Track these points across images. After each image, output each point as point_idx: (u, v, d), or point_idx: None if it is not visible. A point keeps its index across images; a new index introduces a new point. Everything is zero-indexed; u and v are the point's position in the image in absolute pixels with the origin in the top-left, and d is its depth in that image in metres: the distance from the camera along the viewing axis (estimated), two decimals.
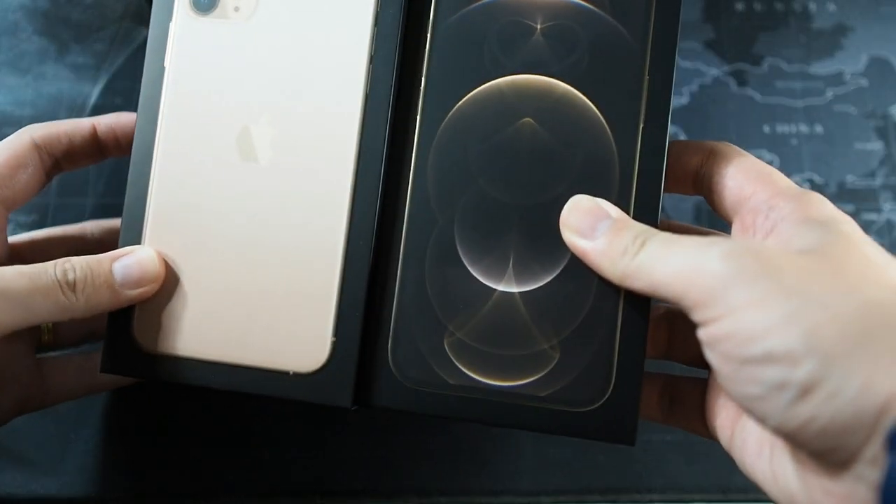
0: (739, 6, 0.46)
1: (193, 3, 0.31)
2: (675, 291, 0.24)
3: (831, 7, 0.46)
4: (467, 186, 0.29)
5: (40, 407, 0.34)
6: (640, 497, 0.38)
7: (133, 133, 0.31)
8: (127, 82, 0.44)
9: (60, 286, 0.28)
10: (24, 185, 0.31)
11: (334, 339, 0.29)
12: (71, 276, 0.28)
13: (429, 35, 0.29)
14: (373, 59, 0.30)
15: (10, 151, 0.31)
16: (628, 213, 0.27)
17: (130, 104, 0.43)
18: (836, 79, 0.44)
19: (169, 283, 0.30)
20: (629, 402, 0.27)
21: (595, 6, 0.29)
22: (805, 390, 0.21)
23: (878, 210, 0.42)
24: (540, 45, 0.29)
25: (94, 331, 0.36)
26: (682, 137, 0.43)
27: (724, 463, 0.38)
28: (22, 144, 0.31)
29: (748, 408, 0.23)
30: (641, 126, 0.28)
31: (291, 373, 0.29)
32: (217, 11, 0.31)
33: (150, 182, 0.30)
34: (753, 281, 0.22)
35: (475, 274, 0.28)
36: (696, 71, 0.45)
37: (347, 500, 0.37)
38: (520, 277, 0.28)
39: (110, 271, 0.29)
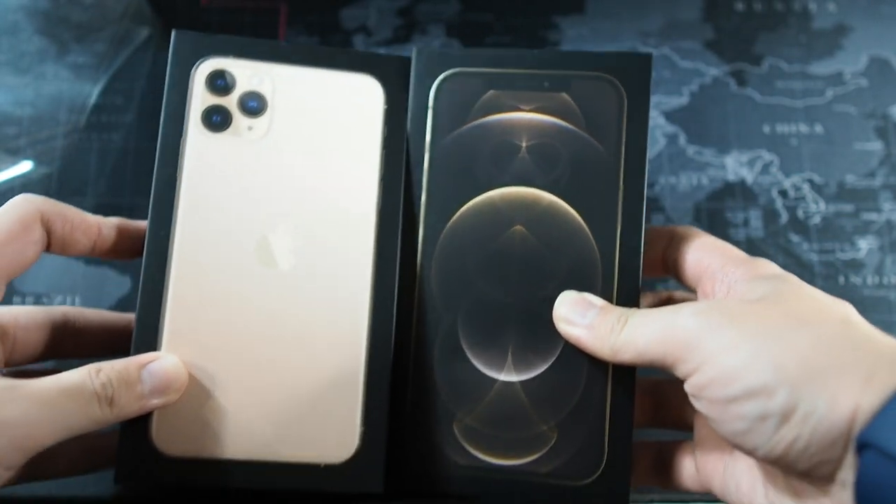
0: (739, 6, 0.46)
1: (205, 121, 0.32)
2: (657, 354, 0.27)
3: (831, 7, 0.46)
4: (468, 288, 0.32)
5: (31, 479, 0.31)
6: (640, 497, 0.37)
7: (133, 243, 0.32)
8: (127, 82, 0.44)
9: (99, 401, 0.27)
10: (27, 259, 0.29)
11: (363, 428, 0.30)
12: (109, 392, 0.27)
13: (426, 154, 0.32)
14: (383, 177, 0.32)
15: (21, 224, 0.29)
16: (612, 302, 0.31)
17: (130, 104, 0.43)
18: (836, 79, 0.44)
19: (191, 384, 0.30)
20: (621, 473, 0.30)
21: (572, 125, 0.32)
22: (783, 417, 0.24)
23: (878, 210, 0.42)
24: (526, 161, 0.32)
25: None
26: (682, 138, 0.43)
27: None
28: (32, 218, 0.29)
29: (739, 443, 0.26)
30: (619, 229, 0.31)
31: (322, 465, 0.30)
32: (230, 130, 0.32)
33: (166, 286, 0.30)
34: (721, 330, 0.26)
35: (478, 366, 0.31)
36: (696, 71, 0.45)
37: None
38: (518, 368, 0.31)
39: (139, 380, 0.28)
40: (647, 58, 0.32)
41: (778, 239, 0.42)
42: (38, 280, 0.41)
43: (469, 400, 0.31)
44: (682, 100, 0.44)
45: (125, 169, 0.42)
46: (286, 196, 0.32)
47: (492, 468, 0.31)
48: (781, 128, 0.44)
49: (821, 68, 0.45)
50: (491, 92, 0.33)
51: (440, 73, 0.33)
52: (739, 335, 0.26)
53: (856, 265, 0.42)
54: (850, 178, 0.43)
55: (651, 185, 0.42)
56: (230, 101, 0.32)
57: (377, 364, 0.31)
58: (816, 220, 0.42)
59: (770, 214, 0.43)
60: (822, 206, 0.43)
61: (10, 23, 0.45)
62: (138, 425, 0.29)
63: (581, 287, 0.31)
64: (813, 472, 0.25)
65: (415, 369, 0.32)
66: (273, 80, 0.33)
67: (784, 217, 0.43)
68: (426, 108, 0.33)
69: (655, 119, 0.44)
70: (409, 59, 0.33)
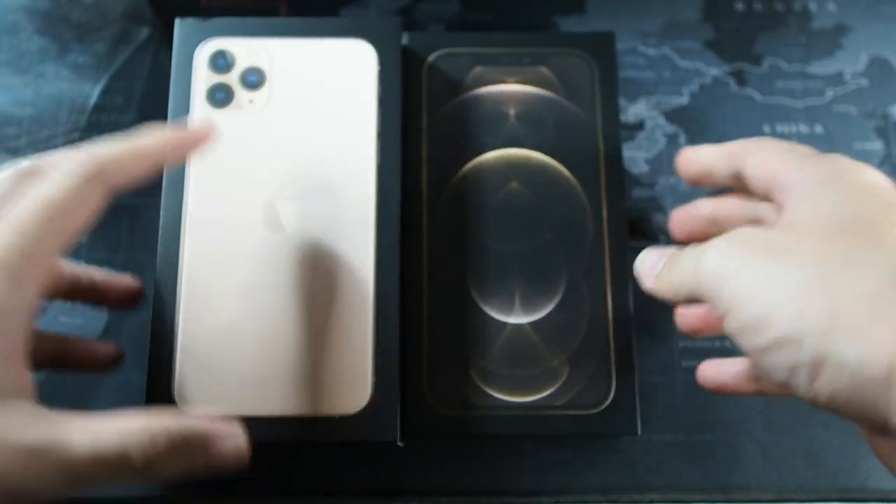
0: (739, 6, 0.46)
1: (210, 98, 0.34)
2: (696, 297, 0.26)
3: (831, 7, 0.46)
4: (473, 240, 0.35)
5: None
6: (640, 497, 0.37)
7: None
8: (127, 82, 0.44)
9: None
10: (87, 223, 0.28)
11: (375, 379, 0.31)
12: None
13: (424, 122, 0.36)
14: (380, 135, 0.34)
15: (88, 209, 0.27)
16: (603, 244, 0.34)
17: (130, 104, 0.43)
18: (836, 79, 0.44)
19: (208, 345, 0.31)
20: (629, 400, 0.33)
21: (553, 93, 0.36)
22: (816, 368, 0.22)
23: None
24: (515, 126, 0.36)
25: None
26: (682, 138, 0.43)
27: (724, 463, 0.38)
28: (98, 195, 0.28)
29: (788, 391, 0.24)
30: (603, 179, 0.35)
31: (337, 416, 0.31)
32: (233, 104, 0.34)
33: (181, 255, 0.32)
34: (744, 270, 0.24)
35: (489, 312, 0.34)
36: (696, 71, 0.45)
37: (347, 500, 0.37)
38: (526, 310, 0.34)
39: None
40: (611, 35, 0.37)
41: None
42: None
43: (483, 344, 0.33)
44: (682, 100, 0.44)
45: None
46: (289, 162, 0.33)
47: (509, 406, 0.33)
48: (781, 128, 0.44)
49: (821, 68, 0.45)
50: (478, 68, 0.37)
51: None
52: (764, 276, 0.23)
53: None
54: None
55: (651, 185, 0.42)
56: (231, 78, 0.34)
57: (385, 317, 0.32)
58: None
59: None
60: None
61: (10, 23, 0.45)
62: (161, 386, 0.31)
63: (575, 231, 0.35)
64: (867, 421, 0.22)
65: (429, 320, 0.34)
66: (270, 54, 0.35)
67: None
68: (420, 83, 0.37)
69: (656, 119, 0.44)
70: (399, 20, 0.36)
